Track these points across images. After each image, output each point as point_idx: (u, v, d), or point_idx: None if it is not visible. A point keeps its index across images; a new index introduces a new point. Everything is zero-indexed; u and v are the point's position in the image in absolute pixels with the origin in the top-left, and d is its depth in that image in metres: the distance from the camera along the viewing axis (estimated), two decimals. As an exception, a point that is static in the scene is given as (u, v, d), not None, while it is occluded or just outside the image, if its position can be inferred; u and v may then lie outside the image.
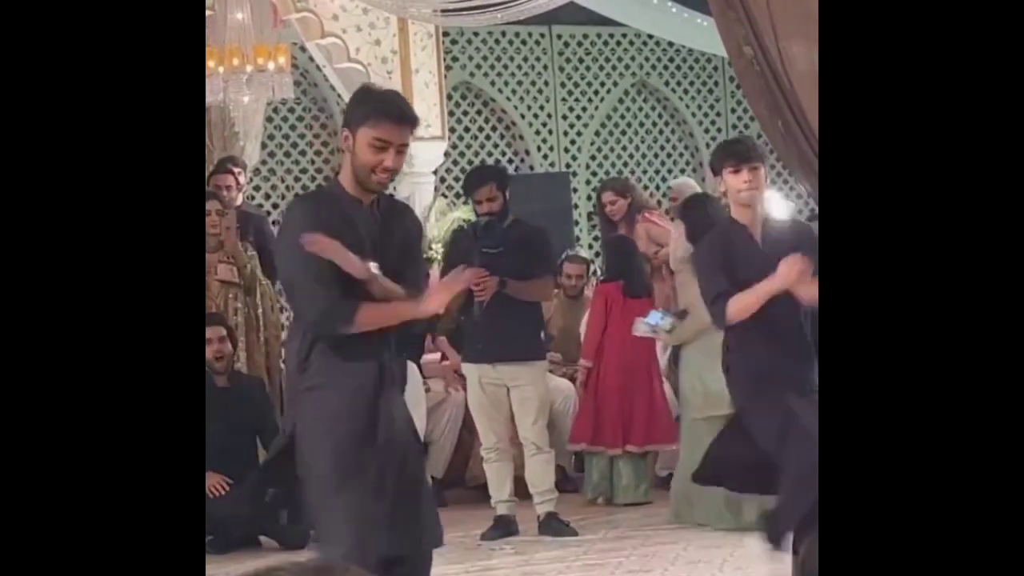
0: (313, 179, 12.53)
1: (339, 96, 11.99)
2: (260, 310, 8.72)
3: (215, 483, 7.58)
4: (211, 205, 8.65)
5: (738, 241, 5.87)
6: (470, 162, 13.14)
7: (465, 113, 13.28)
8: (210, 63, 9.89)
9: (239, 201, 9.58)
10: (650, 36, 13.66)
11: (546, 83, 13.59)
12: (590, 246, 13.01)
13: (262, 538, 7.80)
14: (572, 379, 9.43)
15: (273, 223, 11.71)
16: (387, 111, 4.70)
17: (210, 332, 7.80)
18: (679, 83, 14.15)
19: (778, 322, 5.67)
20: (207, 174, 9.94)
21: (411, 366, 8.42)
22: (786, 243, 5.77)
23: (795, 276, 5.50)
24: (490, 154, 13.35)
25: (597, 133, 13.88)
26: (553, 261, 8.11)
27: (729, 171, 5.89)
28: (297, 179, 12.51)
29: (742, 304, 5.63)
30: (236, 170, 9.68)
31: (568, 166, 13.53)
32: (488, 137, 13.42)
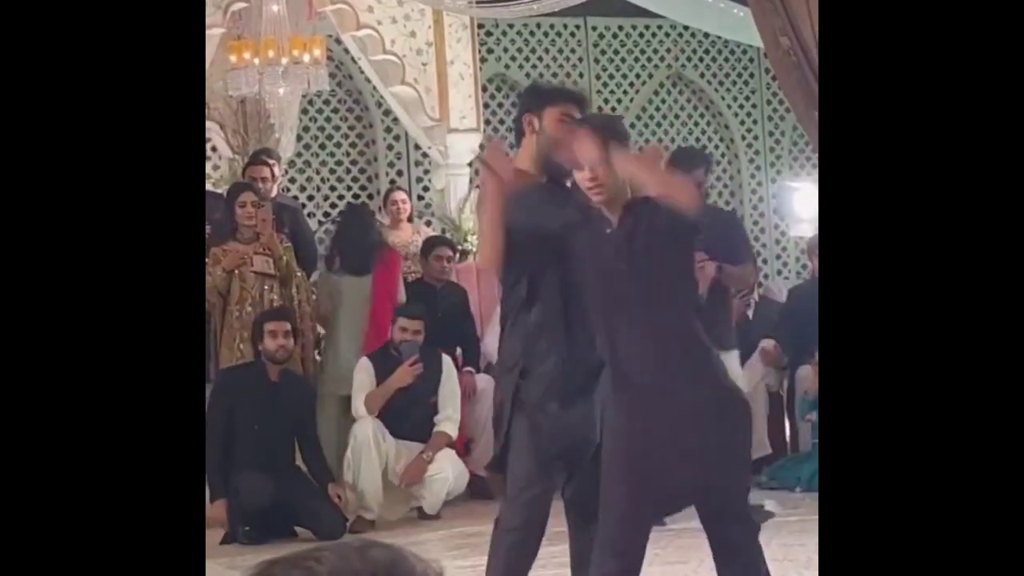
0: (348, 171, 12.55)
1: (374, 88, 12.00)
2: (296, 302, 8.73)
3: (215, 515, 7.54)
4: (247, 196, 8.68)
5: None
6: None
7: (500, 105, 13.27)
8: (245, 55, 9.92)
9: (274, 192, 9.60)
10: (685, 27, 13.62)
11: (581, 75, 13.56)
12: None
13: (298, 529, 7.82)
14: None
15: (309, 215, 11.74)
16: (570, 96, 5.15)
17: (276, 326, 7.91)
18: (714, 75, 14.11)
19: None
20: (243, 166, 9.99)
21: (446, 359, 8.42)
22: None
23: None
24: (525, 146, 13.32)
25: (632, 125, 13.84)
26: (751, 246, 7.76)
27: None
28: (332, 171, 12.53)
29: None
30: (271, 162, 9.71)
31: (603, 158, 13.50)
32: (523, 129, 13.39)
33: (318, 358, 9.28)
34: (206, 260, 8.18)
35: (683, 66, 13.99)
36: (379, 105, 12.53)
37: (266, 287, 8.61)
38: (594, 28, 13.60)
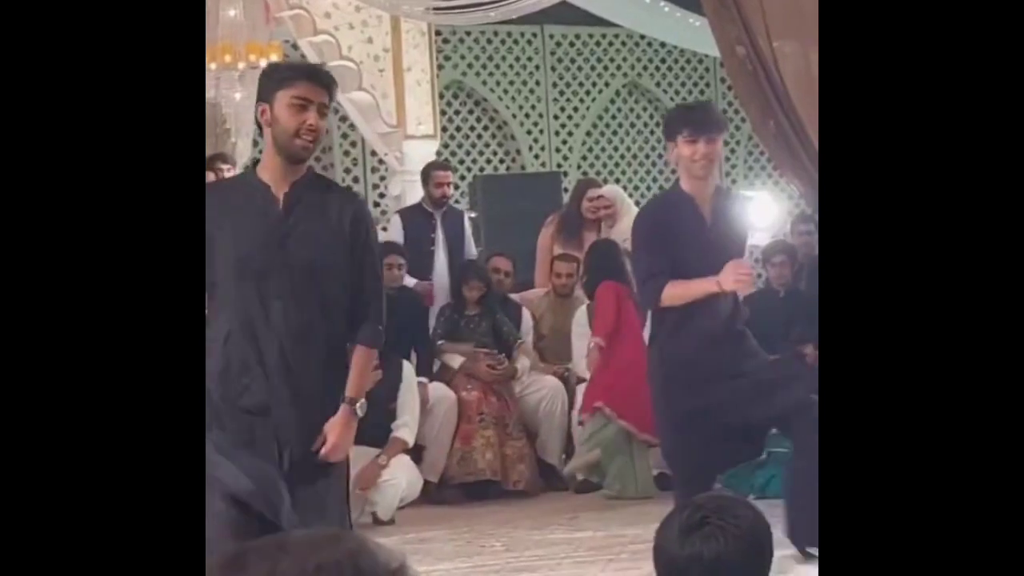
0: (304, 177, 12.53)
1: (331, 94, 12.00)
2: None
3: None
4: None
5: (684, 214, 5.68)
6: (461, 161, 13.14)
7: (457, 112, 13.29)
8: (202, 59, 9.91)
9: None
10: (642, 36, 13.67)
11: (538, 83, 13.60)
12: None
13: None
14: (562, 378, 9.41)
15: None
16: (303, 72, 4.73)
17: None
18: (670, 84, 14.17)
19: (708, 310, 5.61)
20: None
21: (407, 366, 8.40)
22: (736, 222, 5.74)
23: (736, 283, 5.49)
24: (481, 153, 13.36)
25: (588, 133, 13.90)
26: None
27: (684, 140, 5.61)
28: (288, 176, 12.50)
29: (678, 292, 5.52)
30: (225, 167, 9.68)
31: (559, 166, 13.54)
32: (480, 136, 13.43)
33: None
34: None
35: (639, 75, 14.04)
36: (335, 111, 12.52)
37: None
38: (551, 36, 13.63)
